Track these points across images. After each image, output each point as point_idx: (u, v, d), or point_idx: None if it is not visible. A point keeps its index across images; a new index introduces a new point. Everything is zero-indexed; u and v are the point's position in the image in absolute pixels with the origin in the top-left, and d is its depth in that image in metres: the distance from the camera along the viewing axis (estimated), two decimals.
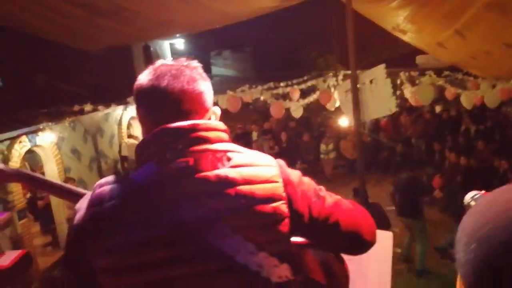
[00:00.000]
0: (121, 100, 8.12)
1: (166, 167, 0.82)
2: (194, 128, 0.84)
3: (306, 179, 0.92)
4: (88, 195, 0.88)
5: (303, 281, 0.88)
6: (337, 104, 7.06)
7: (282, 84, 8.89)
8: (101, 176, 7.59)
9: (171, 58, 0.96)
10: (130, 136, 9.07)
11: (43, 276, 5.72)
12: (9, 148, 5.74)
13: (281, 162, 0.91)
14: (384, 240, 1.46)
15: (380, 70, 4.99)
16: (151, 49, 10.62)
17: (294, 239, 0.91)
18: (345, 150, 9.24)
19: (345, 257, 1.02)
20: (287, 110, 7.64)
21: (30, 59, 8.33)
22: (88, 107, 7.39)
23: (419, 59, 12.35)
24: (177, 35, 10.52)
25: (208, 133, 0.85)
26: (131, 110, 8.49)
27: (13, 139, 5.77)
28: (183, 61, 0.92)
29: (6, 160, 5.58)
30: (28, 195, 6.97)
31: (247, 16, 6.34)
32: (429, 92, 6.98)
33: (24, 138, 5.98)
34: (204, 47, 15.83)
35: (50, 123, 6.44)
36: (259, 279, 0.81)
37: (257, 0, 6.04)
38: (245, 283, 0.81)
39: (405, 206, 5.37)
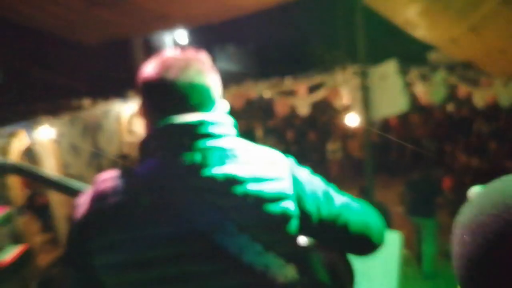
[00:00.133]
0: (121, 95, 8.04)
1: (172, 163, 0.80)
2: (201, 123, 0.81)
3: (316, 178, 0.91)
4: (89, 190, 0.85)
5: (309, 282, 0.87)
6: (345, 101, 6.85)
7: (287, 80, 8.69)
8: (101, 172, 7.49)
9: (178, 49, 0.92)
10: (130, 132, 8.96)
11: (42, 274, 5.67)
12: (8, 143, 5.71)
13: (291, 159, 0.90)
14: (393, 240, 1.47)
15: (391, 66, 4.84)
16: (152, 43, 10.50)
17: (301, 238, 0.90)
18: (353, 150, 9.07)
19: (351, 256, 1.01)
20: (292, 107, 7.44)
21: (28, 52, 8.27)
22: (87, 102, 7.31)
23: (432, 56, 12.11)
24: (179, 29, 10.38)
25: (216, 129, 0.82)
26: (131, 106, 8.41)
27: (11, 134, 5.74)
28: (191, 52, 0.89)
29: (4, 156, 5.53)
30: (28, 192, 6.91)
31: (251, 10, 6.17)
32: (441, 90, 6.77)
33: (23, 133, 5.95)
34: (207, 42, 15.68)
35: (49, 119, 6.41)
36: (265, 279, 0.79)
37: None
38: (250, 283, 0.80)
39: (418, 206, 5.31)
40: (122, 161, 8.43)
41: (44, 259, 6.01)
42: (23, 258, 5.07)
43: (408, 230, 5.52)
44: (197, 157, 0.79)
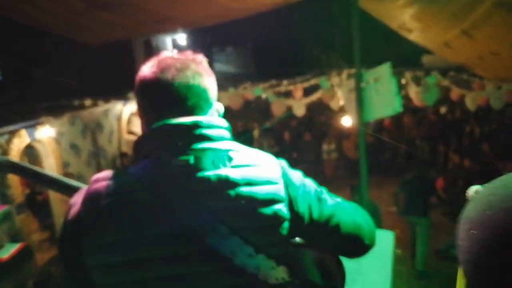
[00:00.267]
0: (121, 96, 8.09)
1: (166, 164, 0.80)
2: (196, 125, 0.82)
3: (308, 180, 0.91)
4: (83, 190, 0.85)
5: (300, 283, 0.87)
6: (340, 103, 6.97)
7: (284, 82, 8.81)
8: (100, 171, 7.48)
9: (176, 51, 0.92)
10: (129, 132, 9.02)
11: (39, 272, 5.70)
12: (8, 142, 5.74)
13: (283, 162, 0.90)
14: (386, 239, 1.48)
15: (385, 69, 4.92)
16: (153, 44, 10.56)
17: (293, 239, 0.90)
18: (347, 150, 9.16)
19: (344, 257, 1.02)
20: (289, 108, 7.56)
21: (30, 52, 8.29)
22: (88, 102, 7.35)
23: (425, 59, 12.23)
24: (179, 30, 10.44)
25: (210, 131, 0.83)
26: (131, 106, 8.46)
27: (12, 133, 5.76)
28: (188, 54, 0.89)
29: (5, 154, 5.56)
30: (27, 190, 6.95)
31: (250, 12, 6.25)
32: (433, 92, 6.90)
33: (23, 132, 5.98)
34: (206, 43, 15.76)
35: (49, 118, 6.43)
36: (256, 281, 0.80)
37: None
38: (241, 285, 0.80)
39: (413, 205, 5.38)
40: (121, 160, 8.48)
41: (42, 257, 6.04)
42: (21, 256, 5.08)
43: (401, 229, 5.56)
44: (191, 158, 0.80)
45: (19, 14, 5.59)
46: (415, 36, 7.50)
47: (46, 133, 6.40)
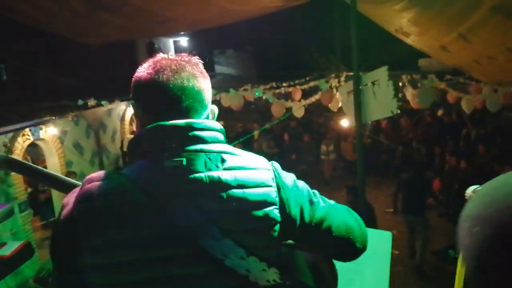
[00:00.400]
0: (125, 96, 8.17)
1: (159, 166, 0.80)
2: (190, 127, 0.82)
3: (301, 183, 0.91)
4: (76, 190, 0.85)
5: (292, 284, 0.87)
6: (339, 105, 7.07)
7: (284, 84, 8.91)
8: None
9: (173, 53, 0.94)
10: (132, 132, 9.11)
11: (41, 270, 5.75)
12: (12, 141, 5.78)
13: (276, 165, 0.90)
14: (384, 240, 1.48)
15: (382, 72, 5.00)
16: (155, 46, 10.67)
17: (285, 241, 0.90)
18: (346, 151, 9.25)
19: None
20: (288, 110, 7.65)
21: (34, 53, 8.36)
22: (91, 102, 7.43)
23: (422, 62, 12.35)
24: (180, 32, 10.54)
25: (204, 133, 0.83)
26: None
27: (16, 132, 5.81)
28: (184, 56, 0.90)
29: (9, 153, 5.62)
30: (30, 189, 7.00)
31: (251, 15, 6.36)
32: (429, 95, 6.97)
33: (27, 131, 6.02)
34: (207, 46, 15.88)
35: (53, 117, 6.48)
36: (247, 282, 0.80)
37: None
38: (232, 287, 0.81)
39: (411, 204, 5.49)
40: (123, 160, 8.56)
41: (44, 256, 6.09)
42: (23, 254, 5.13)
43: (399, 231, 5.63)
44: (184, 160, 0.80)
45: (25, 16, 5.68)
46: (412, 39, 7.59)
47: (49, 132, 6.44)
